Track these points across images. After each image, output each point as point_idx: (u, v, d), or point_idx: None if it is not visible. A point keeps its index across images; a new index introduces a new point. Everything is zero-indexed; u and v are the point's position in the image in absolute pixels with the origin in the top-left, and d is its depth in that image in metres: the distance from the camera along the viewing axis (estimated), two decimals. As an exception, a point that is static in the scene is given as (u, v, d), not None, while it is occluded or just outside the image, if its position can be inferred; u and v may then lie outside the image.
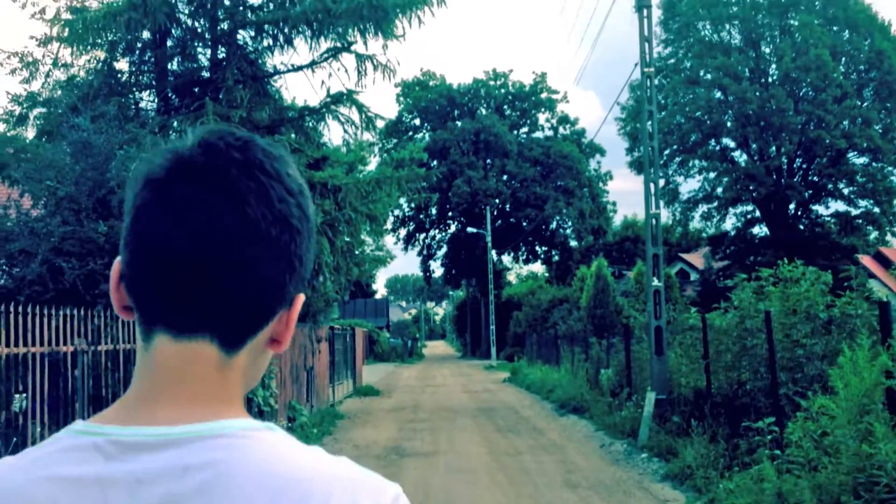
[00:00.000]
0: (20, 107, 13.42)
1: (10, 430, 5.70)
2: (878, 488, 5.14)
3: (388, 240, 49.89)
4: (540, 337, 30.33)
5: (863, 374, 5.49)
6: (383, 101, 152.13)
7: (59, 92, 13.45)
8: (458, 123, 49.45)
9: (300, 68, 15.67)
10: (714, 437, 8.53)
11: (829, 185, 35.73)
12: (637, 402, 11.80)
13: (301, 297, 0.76)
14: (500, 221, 48.90)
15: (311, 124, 15.35)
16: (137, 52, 14.61)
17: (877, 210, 35.19)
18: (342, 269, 13.64)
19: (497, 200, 47.57)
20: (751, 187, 35.13)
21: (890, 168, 34.62)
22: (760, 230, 37.15)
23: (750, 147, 36.13)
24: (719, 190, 36.97)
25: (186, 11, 14.82)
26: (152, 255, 0.69)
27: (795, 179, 35.42)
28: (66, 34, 13.10)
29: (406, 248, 53.52)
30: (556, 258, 50.13)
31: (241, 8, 14.87)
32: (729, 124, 35.48)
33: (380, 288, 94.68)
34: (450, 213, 50.60)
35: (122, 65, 14.58)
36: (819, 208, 36.70)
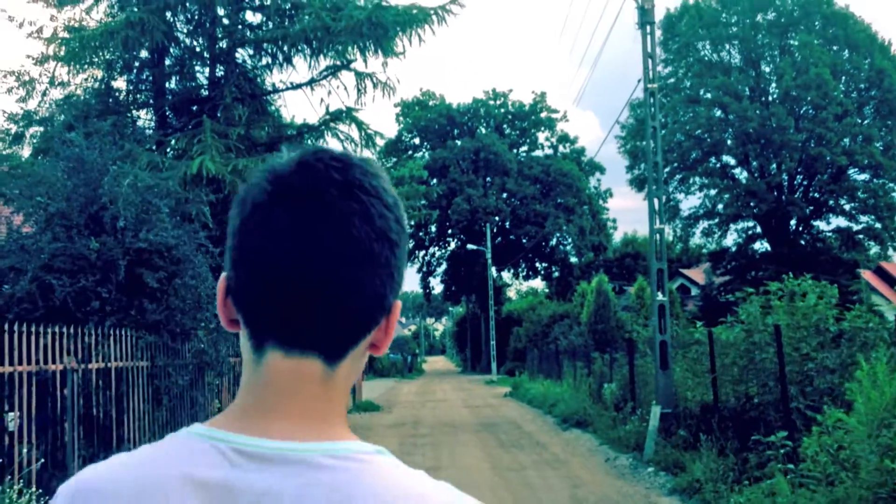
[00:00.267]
0: (16, 125, 13.33)
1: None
2: (898, 504, 4.96)
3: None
4: (541, 352, 30.21)
5: (882, 387, 5.32)
6: (383, 121, 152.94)
7: (56, 110, 13.36)
8: (458, 142, 49.53)
9: (299, 86, 15.61)
10: (722, 450, 8.38)
11: (831, 202, 35.75)
12: (642, 415, 11.66)
13: (399, 304, 0.77)
14: (500, 238, 48.84)
15: (310, 142, 15.22)
16: (135, 70, 14.52)
17: (878, 225, 35.20)
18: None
19: (497, 218, 47.52)
20: (752, 203, 35.11)
21: (891, 184, 34.67)
22: (761, 245, 37.12)
23: (750, 164, 36.16)
24: (720, 206, 37.00)
25: (185, 30, 14.75)
26: (261, 276, 0.71)
27: (796, 196, 35.40)
28: (63, 53, 13.01)
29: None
30: (557, 274, 50.00)
31: (239, 26, 14.79)
32: (729, 142, 35.52)
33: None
34: (449, 231, 50.57)
35: (120, 83, 14.50)
36: (820, 224, 36.72)
